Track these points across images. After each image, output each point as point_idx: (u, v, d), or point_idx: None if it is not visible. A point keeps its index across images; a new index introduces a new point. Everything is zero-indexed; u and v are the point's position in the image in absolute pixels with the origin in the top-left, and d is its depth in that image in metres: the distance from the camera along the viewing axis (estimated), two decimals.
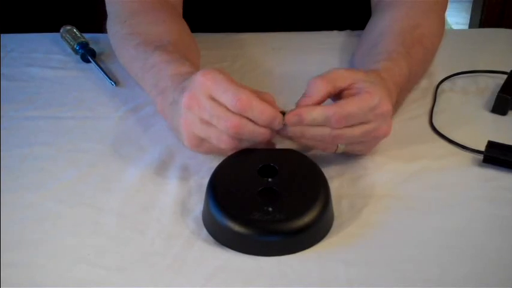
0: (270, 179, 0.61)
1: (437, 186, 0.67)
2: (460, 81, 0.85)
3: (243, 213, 0.58)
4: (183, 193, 0.65)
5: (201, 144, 0.65)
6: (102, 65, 0.88)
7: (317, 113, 0.62)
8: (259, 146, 0.64)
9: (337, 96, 0.66)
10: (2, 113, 0.78)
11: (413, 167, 0.69)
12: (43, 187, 0.66)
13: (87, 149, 0.72)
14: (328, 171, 0.65)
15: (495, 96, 0.78)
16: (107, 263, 0.57)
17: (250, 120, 0.61)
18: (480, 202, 0.64)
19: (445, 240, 0.60)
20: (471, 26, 2.14)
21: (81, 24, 0.97)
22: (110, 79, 0.85)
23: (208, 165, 0.67)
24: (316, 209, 0.59)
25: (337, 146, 0.65)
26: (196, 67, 0.73)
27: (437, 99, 0.81)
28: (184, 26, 0.85)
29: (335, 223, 0.62)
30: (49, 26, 0.99)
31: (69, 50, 0.92)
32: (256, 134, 0.62)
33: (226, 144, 0.62)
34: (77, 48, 0.90)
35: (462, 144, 0.72)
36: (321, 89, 0.64)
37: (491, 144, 0.69)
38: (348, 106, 0.62)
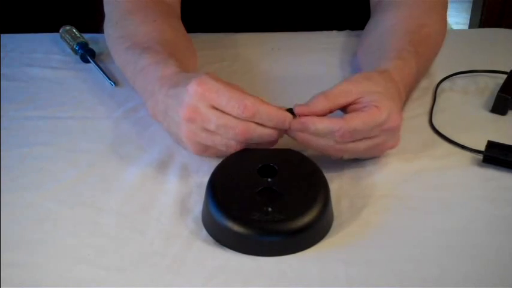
0: (269, 179, 0.61)
1: (437, 186, 0.67)
2: (459, 81, 0.85)
3: (242, 213, 0.58)
4: (182, 193, 0.65)
5: (206, 150, 0.65)
6: (101, 65, 0.88)
7: (322, 126, 0.62)
8: (263, 145, 0.65)
9: (344, 109, 0.65)
10: (2, 113, 0.78)
11: (413, 167, 0.69)
12: (43, 187, 0.66)
13: (86, 149, 0.72)
14: (328, 171, 0.65)
15: (495, 96, 0.78)
16: (107, 263, 0.57)
17: (258, 123, 0.61)
18: (480, 202, 0.64)
19: (445, 240, 0.60)
20: (471, 26, 2.14)
21: (80, 24, 0.97)
22: (110, 79, 0.85)
23: (208, 164, 0.67)
24: (316, 209, 0.59)
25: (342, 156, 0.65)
26: (185, 65, 0.72)
27: (437, 99, 0.81)
28: (177, 25, 0.84)
29: (335, 223, 0.61)
30: (49, 26, 0.99)
31: (69, 50, 0.92)
32: (265, 136, 0.62)
33: (234, 149, 0.63)
34: (77, 48, 0.90)
35: (462, 144, 0.72)
36: (321, 105, 0.63)
37: (491, 144, 0.69)
38: (354, 122, 0.61)
